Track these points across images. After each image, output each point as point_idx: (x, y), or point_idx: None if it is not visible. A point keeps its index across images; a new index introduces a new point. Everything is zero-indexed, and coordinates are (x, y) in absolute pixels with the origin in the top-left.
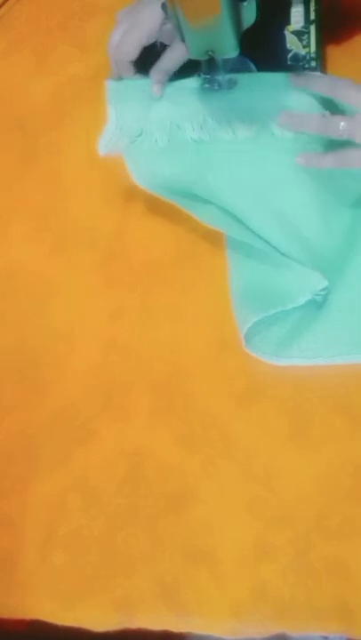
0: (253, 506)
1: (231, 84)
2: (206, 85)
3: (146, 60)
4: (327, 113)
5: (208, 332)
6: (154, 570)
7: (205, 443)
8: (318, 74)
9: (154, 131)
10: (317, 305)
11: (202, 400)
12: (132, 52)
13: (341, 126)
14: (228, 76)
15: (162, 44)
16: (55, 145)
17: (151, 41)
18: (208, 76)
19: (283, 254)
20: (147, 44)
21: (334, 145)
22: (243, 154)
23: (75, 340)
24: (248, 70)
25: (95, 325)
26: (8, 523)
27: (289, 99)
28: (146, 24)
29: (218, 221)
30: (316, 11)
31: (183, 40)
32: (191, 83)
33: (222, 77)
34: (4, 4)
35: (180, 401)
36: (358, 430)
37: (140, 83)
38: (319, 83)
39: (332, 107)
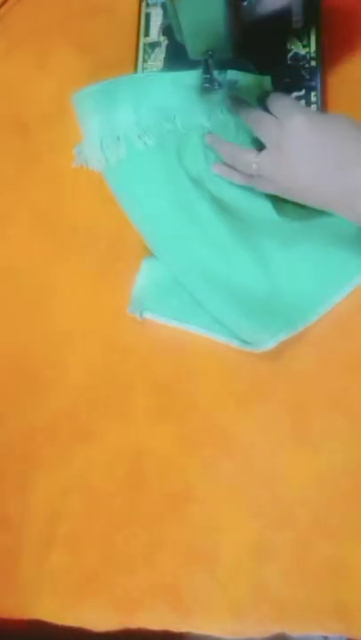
0: (253, 506)
1: (231, 84)
2: (206, 85)
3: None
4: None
5: None
6: (154, 570)
7: (206, 443)
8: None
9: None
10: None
11: (202, 400)
12: None
13: (250, 163)
14: (228, 76)
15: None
16: (55, 145)
17: None
18: (208, 76)
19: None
20: None
21: None
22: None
23: (75, 340)
24: (248, 70)
25: (95, 326)
26: (8, 523)
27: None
28: None
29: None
30: (316, 11)
31: (183, 40)
32: (191, 79)
33: (222, 77)
34: (3, 4)
35: (181, 401)
36: (358, 430)
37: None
38: (243, 113)
39: None
